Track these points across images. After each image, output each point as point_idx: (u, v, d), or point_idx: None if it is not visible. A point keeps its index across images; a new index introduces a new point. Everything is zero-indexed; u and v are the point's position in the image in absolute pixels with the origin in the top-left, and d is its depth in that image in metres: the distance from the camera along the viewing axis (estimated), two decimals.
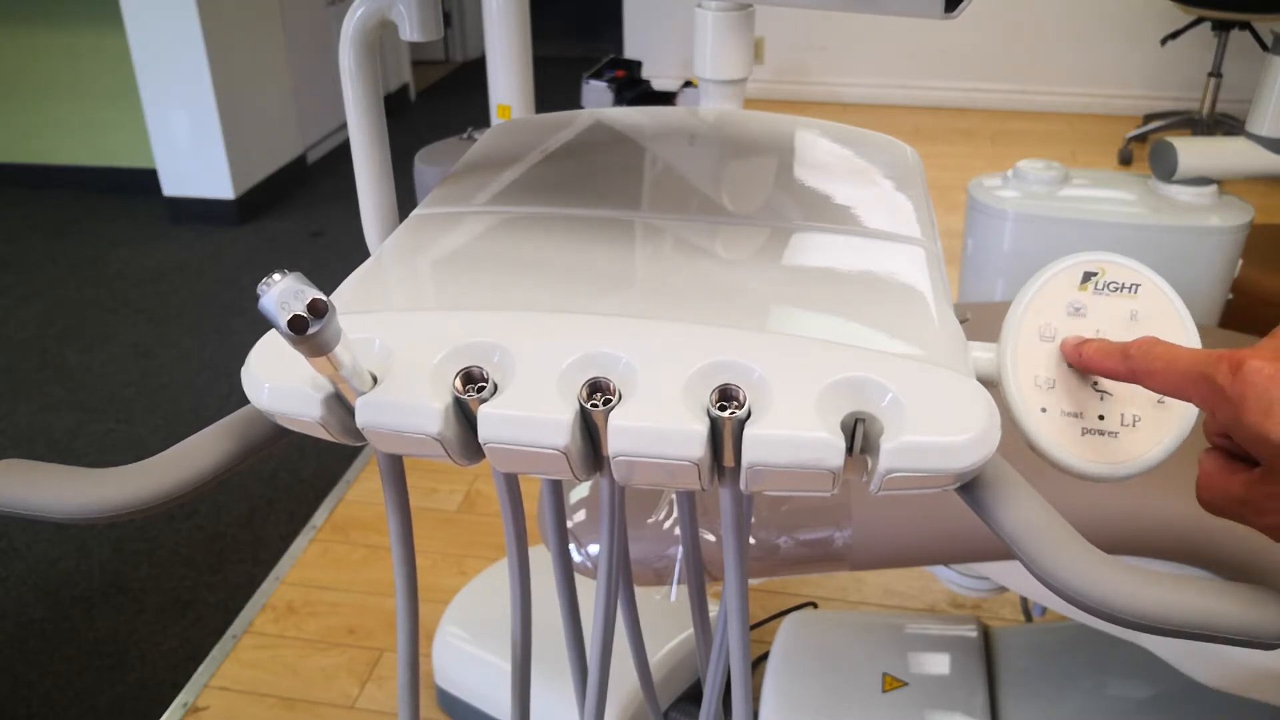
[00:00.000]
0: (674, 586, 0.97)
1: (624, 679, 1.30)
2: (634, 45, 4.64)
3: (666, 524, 0.99)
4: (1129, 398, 0.45)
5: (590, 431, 0.42)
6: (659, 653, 1.39)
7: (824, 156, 0.68)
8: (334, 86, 3.78)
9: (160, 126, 3.26)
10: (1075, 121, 4.32)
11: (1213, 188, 1.47)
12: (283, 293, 0.34)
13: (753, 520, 0.95)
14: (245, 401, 0.46)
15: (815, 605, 1.68)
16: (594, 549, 1.00)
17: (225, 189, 3.33)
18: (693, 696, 1.44)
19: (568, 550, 0.68)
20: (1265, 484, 0.39)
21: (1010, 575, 0.97)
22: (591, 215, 0.56)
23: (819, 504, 0.95)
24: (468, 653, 1.44)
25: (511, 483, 0.62)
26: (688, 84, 3.89)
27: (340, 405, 0.43)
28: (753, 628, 1.60)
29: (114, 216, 3.44)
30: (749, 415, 0.40)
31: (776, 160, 0.66)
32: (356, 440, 0.45)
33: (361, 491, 2.03)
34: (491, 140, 0.69)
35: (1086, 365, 0.45)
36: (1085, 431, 0.45)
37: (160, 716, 1.53)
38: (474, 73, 5.33)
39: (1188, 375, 0.40)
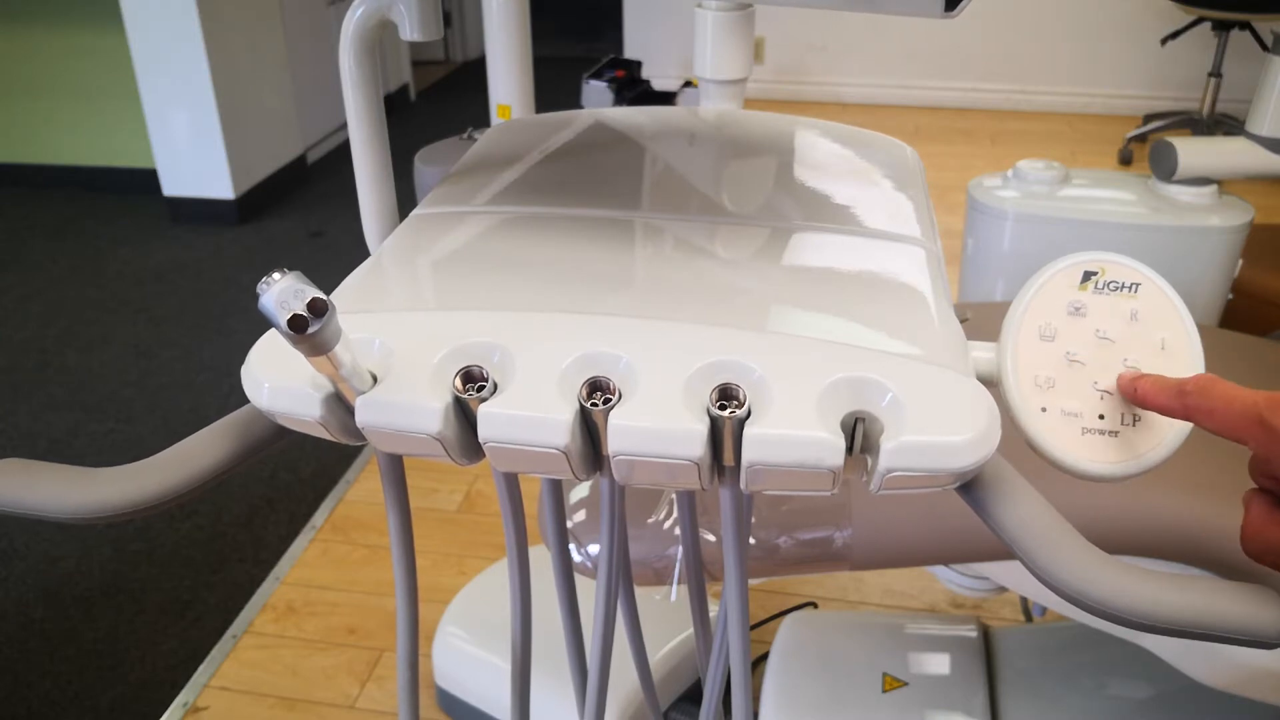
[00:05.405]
0: (674, 586, 0.97)
1: (624, 679, 1.30)
2: (634, 45, 4.65)
3: (666, 524, 0.99)
4: None
5: (590, 431, 0.42)
6: (659, 653, 1.39)
7: (824, 157, 0.68)
8: (334, 86, 3.78)
9: (160, 126, 3.27)
10: (1075, 121, 4.32)
11: (1213, 188, 1.46)
12: (282, 292, 0.34)
13: (753, 520, 0.95)
14: (245, 401, 0.46)
15: (815, 605, 1.68)
16: (594, 549, 1.00)
17: (225, 189, 3.34)
18: (693, 696, 1.44)
19: (568, 550, 0.68)
20: None
21: (1010, 575, 0.97)
22: (591, 215, 0.56)
23: (819, 504, 0.95)
24: (468, 653, 1.44)
25: (511, 483, 0.62)
26: (688, 84, 3.89)
27: (340, 405, 0.43)
28: (753, 628, 1.60)
29: (114, 216, 3.44)
30: (749, 415, 0.40)
31: (776, 160, 0.66)
32: (356, 440, 0.45)
33: (361, 491, 2.03)
34: (491, 140, 0.69)
35: (1142, 400, 0.44)
36: (1085, 431, 0.45)
37: (160, 716, 1.53)
38: (474, 73, 5.33)
39: (1243, 417, 0.39)
